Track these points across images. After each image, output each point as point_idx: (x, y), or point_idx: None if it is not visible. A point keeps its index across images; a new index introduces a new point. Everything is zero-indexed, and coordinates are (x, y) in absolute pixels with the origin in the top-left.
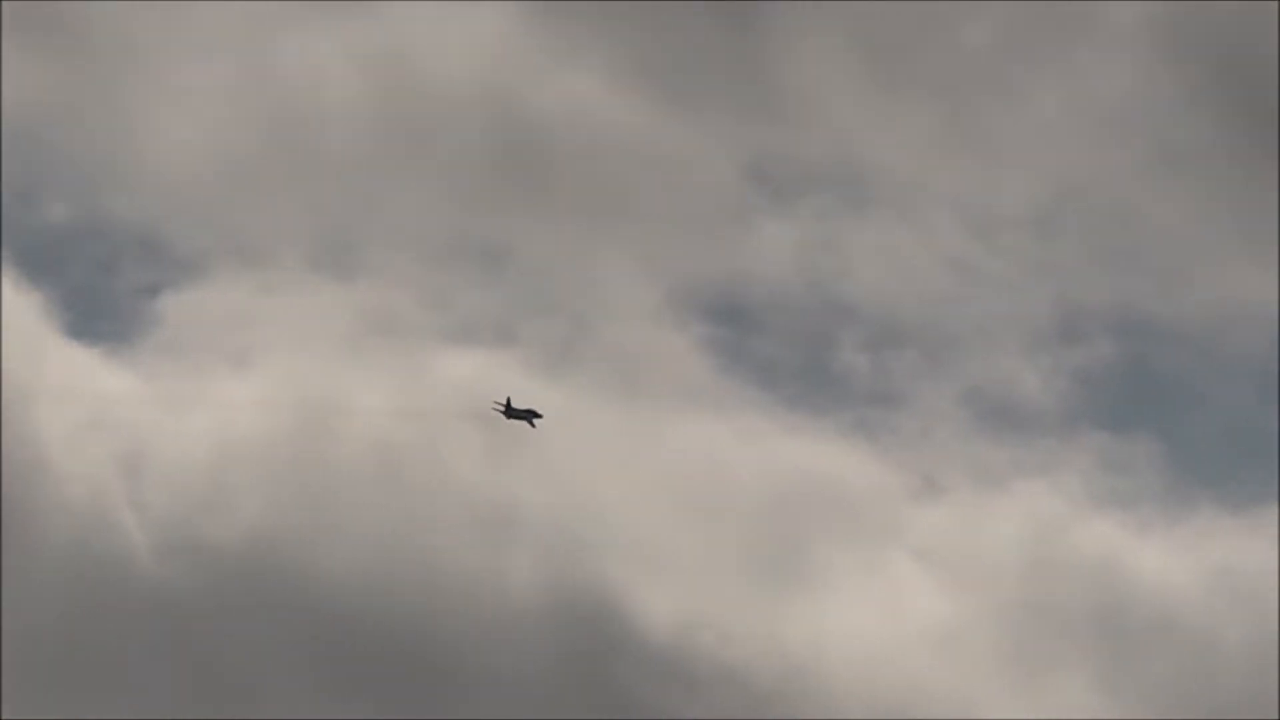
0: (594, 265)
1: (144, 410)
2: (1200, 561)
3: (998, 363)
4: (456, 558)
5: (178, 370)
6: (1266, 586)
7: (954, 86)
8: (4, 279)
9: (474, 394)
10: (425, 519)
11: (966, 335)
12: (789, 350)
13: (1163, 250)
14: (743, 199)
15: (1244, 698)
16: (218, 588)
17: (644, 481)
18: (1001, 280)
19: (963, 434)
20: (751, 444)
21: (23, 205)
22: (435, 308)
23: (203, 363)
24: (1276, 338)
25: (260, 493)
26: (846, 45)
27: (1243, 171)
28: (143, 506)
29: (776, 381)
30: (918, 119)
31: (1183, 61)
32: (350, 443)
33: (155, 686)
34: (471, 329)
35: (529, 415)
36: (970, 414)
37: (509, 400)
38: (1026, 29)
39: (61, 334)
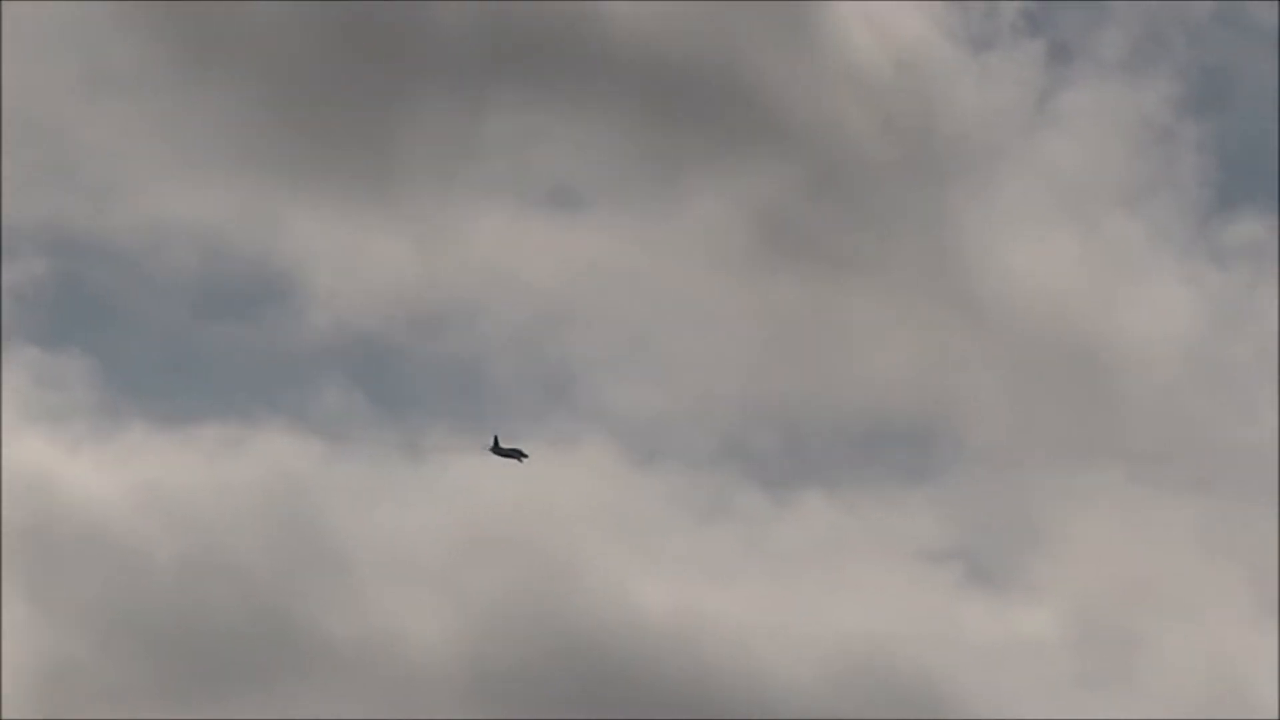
0: None
1: None
2: (131, 478)
3: None
4: None
5: None
6: (196, 502)
7: None
8: None
9: None
10: None
11: None
12: None
13: (95, 169)
14: None
15: (173, 611)
16: None
17: None
18: None
19: None
20: None
21: None
22: None
23: None
24: (207, 256)
25: None
26: None
27: (173, 94)
28: None
29: None
30: None
31: None
32: None
33: None
34: None
35: (516, 454)
36: None
37: (496, 439)
38: None
39: None
